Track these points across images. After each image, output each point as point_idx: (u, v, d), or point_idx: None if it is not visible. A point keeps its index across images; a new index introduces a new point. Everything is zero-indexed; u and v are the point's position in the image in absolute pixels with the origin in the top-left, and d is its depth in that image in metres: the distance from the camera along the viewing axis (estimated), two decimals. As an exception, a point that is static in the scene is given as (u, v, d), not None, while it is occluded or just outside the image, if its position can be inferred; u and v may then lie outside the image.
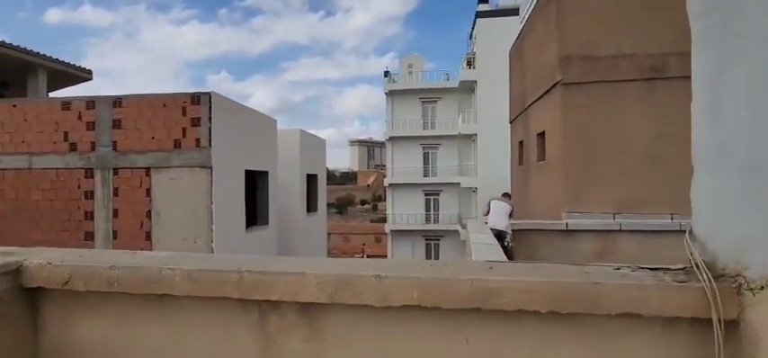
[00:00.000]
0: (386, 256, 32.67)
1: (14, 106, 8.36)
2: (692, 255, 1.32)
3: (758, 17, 1.11)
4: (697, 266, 1.26)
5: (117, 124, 7.89)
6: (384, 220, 34.18)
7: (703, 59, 1.34)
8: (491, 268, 1.38)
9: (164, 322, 1.52)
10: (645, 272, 1.35)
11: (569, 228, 6.57)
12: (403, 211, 30.46)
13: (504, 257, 3.81)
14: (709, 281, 1.20)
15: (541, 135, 8.83)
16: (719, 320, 1.16)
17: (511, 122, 12.17)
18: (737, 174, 1.20)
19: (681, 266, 1.35)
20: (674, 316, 1.23)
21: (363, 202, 74.33)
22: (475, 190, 26.74)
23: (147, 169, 7.75)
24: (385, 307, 1.35)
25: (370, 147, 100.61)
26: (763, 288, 1.12)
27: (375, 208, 66.41)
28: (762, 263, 1.12)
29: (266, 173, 10.15)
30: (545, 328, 1.30)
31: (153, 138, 7.74)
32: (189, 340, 1.52)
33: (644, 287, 1.22)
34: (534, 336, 1.32)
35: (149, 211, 7.75)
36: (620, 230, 6.34)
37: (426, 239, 30.65)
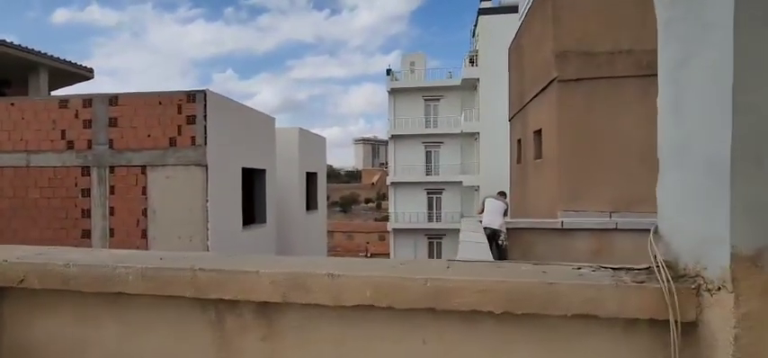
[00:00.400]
0: (389, 255, 32.65)
1: (12, 104, 8.40)
2: (655, 255, 1.28)
3: (723, 4, 1.06)
4: (657, 266, 1.22)
5: (113, 122, 7.90)
6: (388, 219, 34.14)
7: (668, 51, 1.30)
8: (448, 267, 1.35)
9: (120, 320, 1.51)
10: (606, 271, 1.31)
11: (565, 226, 6.50)
12: (405, 210, 30.44)
13: (491, 256, 3.77)
14: (668, 281, 1.16)
15: (538, 133, 8.75)
16: (676, 322, 1.12)
17: (510, 120, 12.09)
18: (698, 171, 1.15)
19: (645, 266, 1.31)
20: (632, 317, 1.19)
21: (368, 201, 74.33)
22: (477, 188, 26.66)
23: (143, 167, 7.77)
24: (341, 306, 1.32)
25: (374, 146, 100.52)
26: (720, 289, 1.08)
27: (379, 206, 66.39)
28: (719, 263, 1.07)
29: (264, 171, 10.15)
30: (503, 329, 1.27)
31: (149, 136, 7.76)
32: (146, 339, 1.50)
33: (600, 288, 1.18)
34: (492, 337, 1.28)
35: (145, 209, 7.77)
36: (616, 229, 6.26)
37: (429, 238, 30.62)
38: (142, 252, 1.65)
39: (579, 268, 1.34)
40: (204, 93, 7.72)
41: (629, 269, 1.32)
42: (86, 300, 1.51)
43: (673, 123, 1.26)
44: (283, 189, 11.83)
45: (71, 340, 1.55)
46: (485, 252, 3.83)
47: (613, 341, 1.22)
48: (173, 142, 7.68)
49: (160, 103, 7.75)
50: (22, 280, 1.52)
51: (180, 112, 7.65)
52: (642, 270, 1.30)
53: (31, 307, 1.58)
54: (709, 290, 1.11)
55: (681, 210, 1.24)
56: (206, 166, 7.57)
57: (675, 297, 1.13)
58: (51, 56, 12.06)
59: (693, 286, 1.15)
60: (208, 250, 7.53)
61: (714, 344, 1.09)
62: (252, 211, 9.94)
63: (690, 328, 1.15)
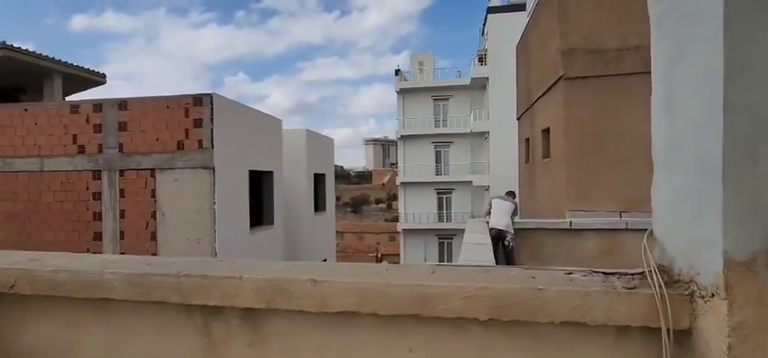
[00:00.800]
0: (399, 255, 32.61)
1: (26, 110, 8.58)
2: (648, 259, 1.23)
3: (714, -3, 1.01)
4: (650, 271, 1.17)
5: (123, 126, 8.03)
6: (398, 219, 34.07)
7: (660, 48, 1.26)
8: (433, 273, 1.31)
9: (107, 326, 1.51)
10: (597, 277, 1.26)
11: (573, 226, 6.39)
12: (415, 210, 30.34)
13: (493, 258, 3.72)
14: (660, 286, 1.11)
15: (546, 131, 8.63)
16: (668, 330, 1.07)
17: (518, 119, 11.96)
18: (689, 172, 1.11)
19: (639, 271, 1.27)
20: (622, 324, 1.14)
21: (378, 201, 74.29)
22: (487, 188, 26.43)
23: (152, 170, 7.87)
24: (325, 313, 1.30)
25: (385, 146, 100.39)
26: (713, 296, 1.02)
27: (390, 207, 66.27)
28: (712, 269, 1.02)
29: (271, 173, 10.20)
30: (490, 336, 1.24)
31: (157, 139, 7.85)
32: (133, 344, 1.49)
33: (587, 294, 1.14)
34: (479, 345, 1.25)
35: (154, 212, 7.87)
36: (626, 229, 6.13)
37: (439, 238, 30.46)
38: (131, 257, 1.65)
39: (570, 273, 1.30)
40: (210, 96, 7.78)
41: (622, 274, 1.27)
42: (75, 306, 1.51)
43: (665, 122, 1.22)
44: (291, 191, 11.88)
45: (62, 345, 1.55)
46: (487, 253, 3.77)
47: (605, 349, 1.18)
48: (180, 145, 7.76)
49: (168, 107, 7.83)
50: (13, 285, 1.53)
51: (187, 116, 7.72)
52: (636, 275, 1.25)
53: (22, 312, 1.59)
54: (702, 297, 1.06)
55: (674, 213, 1.20)
56: (213, 169, 7.63)
57: (668, 304, 1.08)
58: (65, 62, 12.29)
59: (687, 292, 1.10)
60: (216, 252, 7.58)
61: (708, 353, 1.04)
62: (259, 213, 9.99)
63: (684, 336, 1.10)
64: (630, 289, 1.16)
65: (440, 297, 1.21)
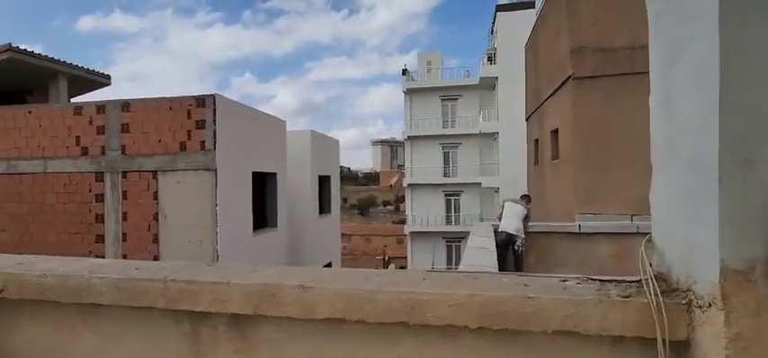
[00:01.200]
0: (405, 258, 32.47)
1: (30, 112, 8.64)
2: (649, 266, 1.19)
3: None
4: (646, 279, 1.13)
5: (125, 128, 8.03)
6: (405, 222, 33.86)
7: (657, 48, 1.21)
8: (424, 279, 1.28)
9: (95, 331, 1.50)
10: (592, 284, 1.22)
11: (582, 230, 6.25)
12: (423, 212, 30.05)
13: (495, 262, 3.65)
14: (656, 295, 1.07)
15: (555, 132, 8.50)
16: (664, 341, 1.03)
17: (527, 120, 11.84)
18: (686, 174, 1.06)
19: (637, 278, 1.22)
20: (617, 334, 1.10)
21: (386, 203, 74.22)
22: (497, 190, 26.13)
23: (154, 172, 7.86)
24: (313, 319, 1.28)
25: (392, 147, 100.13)
26: (710, 305, 0.98)
27: (398, 209, 66.12)
28: (709, 278, 0.98)
29: (275, 174, 10.18)
30: (481, 345, 1.20)
31: (160, 141, 7.85)
32: (120, 349, 1.48)
33: (581, 303, 1.10)
34: (470, 353, 1.22)
35: (157, 214, 7.87)
36: (637, 233, 5.99)
37: (447, 241, 30.04)
38: (121, 261, 1.64)
39: (565, 280, 1.26)
40: (213, 97, 7.78)
41: (619, 282, 1.23)
42: (64, 311, 1.50)
43: (663, 123, 1.17)
44: (295, 192, 11.86)
45: (52, 350, 1.54)
46: (490, 257, 3.71)
47: (600, 360, 1.14)
48: (183, 147, 7.74)
49: (170, 109, 7.84)
50: (2, 290, 1.53)
51: (189, 117, 7.71)
52: (633, 282, 1.21)
53: (13, 316, 1.58)
54: (700, 307, 1.02)
55: (671, 216, 1.15)
56: (215, 171, 7.62)
57: (664, 313, 1.04)
58: (70, 64, 12.36)
59: (684, 301, 1.06)
60: (217, 254, 7.58)
61: (706, 366, 0.99)
62: (263, 215, 9.98)
63: (681, 347, 1.05)
64: (626, 297, 1.11)
65: (428, 304, 1.18)
